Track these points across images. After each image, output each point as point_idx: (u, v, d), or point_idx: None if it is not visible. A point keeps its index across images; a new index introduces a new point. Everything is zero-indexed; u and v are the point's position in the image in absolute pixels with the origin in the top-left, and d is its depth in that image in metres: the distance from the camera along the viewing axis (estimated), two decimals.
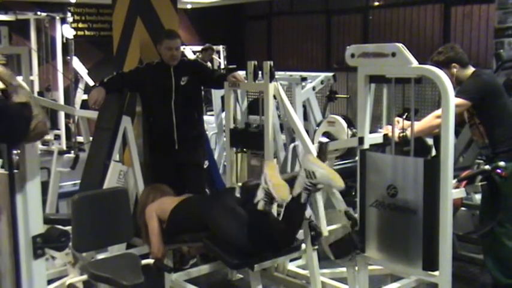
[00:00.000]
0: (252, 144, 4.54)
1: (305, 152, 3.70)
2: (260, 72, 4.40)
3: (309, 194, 3.66)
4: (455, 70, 4.16)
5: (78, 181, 5.14)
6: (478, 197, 4.57)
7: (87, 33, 11.59)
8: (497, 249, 4.12)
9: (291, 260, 4.50)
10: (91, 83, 9.27)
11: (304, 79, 6.39)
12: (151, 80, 4.97)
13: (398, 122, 3.92)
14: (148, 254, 4.17)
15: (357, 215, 3.78)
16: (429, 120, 4.00)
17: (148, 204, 4.20)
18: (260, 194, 3.61)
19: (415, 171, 3.46)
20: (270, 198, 3.59)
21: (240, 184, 3.78)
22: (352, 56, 3.70)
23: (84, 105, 7.87)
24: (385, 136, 3.91)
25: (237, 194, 3.79)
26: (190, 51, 10.54)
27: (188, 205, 4.10)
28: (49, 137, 9.29)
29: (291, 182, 3.65)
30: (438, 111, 3.82)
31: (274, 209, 4.06)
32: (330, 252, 3.85)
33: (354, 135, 4.17)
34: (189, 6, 12.35)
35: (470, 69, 4.21)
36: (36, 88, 9.66)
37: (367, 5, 11.45)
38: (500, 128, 4.12)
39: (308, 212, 5.06)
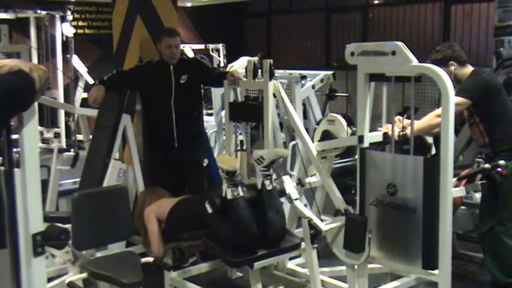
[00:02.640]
0: (250, 116, 4.59)
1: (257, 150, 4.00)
2: (260, 70, 4.40)
3: (270, 179, 3.85)
4: (453, 68, 4.17)
5: (78, 179, 5.14)
6: (477, 195, 4.58)
7: (87, 31, 11.57)
8: (497, 248, 4.12)
9: (291, 259, 4.50)
10: (91, 81, 9.26)
11: (303, 77, 6.39)
12: (151, 78, 4.97)
13: (398, 120, 3.92)
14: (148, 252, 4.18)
15: (357, 213, 3.79)
16: (429, 119, 4.00)
17: (146, 207, 4.22)
18: (224, 185, 3.75)
19: (414, 170, 3.46)
20: (231, 181, 3.72)
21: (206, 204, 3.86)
22: (352, 54, 3.70)
23: (84, 103, 7.87)
24: (385, 135, 3.91)
25: (208, 210, 3.82)
26: (190, 50, 10.53)
27: (186, 204, 4.12)
28: (49, 135, 9.29)
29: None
30: (438, 110, 3.82)
31: None
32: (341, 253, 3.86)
33: (353, 133, 4.17)
34: (188, 5, 12.34)
35: (469, 68, 4.22)
36: None
37: (366, 3, 11.44)
38: (500, 127, 4.12)
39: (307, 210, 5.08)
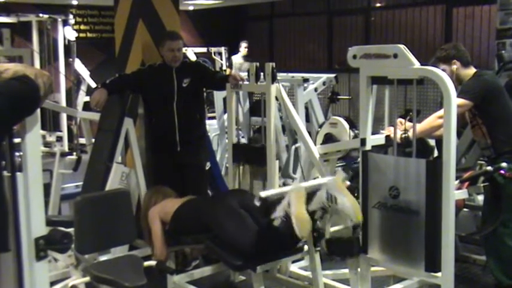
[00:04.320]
0: (254, 159, 4.51)
1: (332, 176, 3.60)
2: (262, 73, 4.40)
3: (323, 213, 3.57)
4: (455, 67, 4.17)
5: (81, 183, 5.14)
6: (480, 198, 4.57)
7: (89, 35, 11.59)
8: (500, 250, 4.11)
9: (294, 262, 4.50)
10: (93, 84, 9.27)
11: (306, 80, 6.39)
12: (154, 82, 4.97)
13: (400, 123, 3.92)
14: (151, 255, 4.18)
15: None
16: (431, 120, 4.00)
17: (150, 207, 4.21)
18: (280, 212, 3.46)
19: (417, 173, 3.46)
20: (288, 221, 3.44)
21: (261, 195, 3.57)
22: (354, 57, 3.70)
23: (86, 107, 7.88)
24: (387, 137, 3.91)
25: (256, 202, 3.59)
26: (192, 53, 10.55)
27: (191, 206, 4.10)
28: (51, 139, 9.30)
29: (311, 194, 3.55)
30: (440, 112, 3.82)
31: None
32: (325, 248, 3.80)
33: (356, 136, 4.17)
34: (191, 8, 12.36)
35: (472, 70, 4.22)
36: None
37: (368, 6, 11.45)
38: (503, 128, 4.12)
39: None
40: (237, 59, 10.84)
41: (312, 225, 3.47)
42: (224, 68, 10.99)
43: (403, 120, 3.95)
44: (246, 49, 10.91)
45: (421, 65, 3.46)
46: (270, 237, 3.68)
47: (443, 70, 4.13)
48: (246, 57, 10.78)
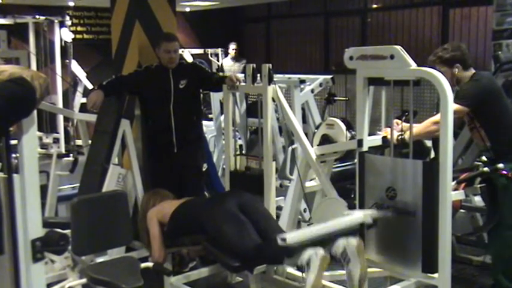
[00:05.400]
0: (251, 186, 4.45)
1: (354, 241, 3.39)
2: (259, 75, 4.40)
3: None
4: (456, 70, 4.12)
5: (77, 184, 5.13)
6: (477, 199, 4.58)
7: (85, 36, 11.58)
8: (505, 253, 4.08)
9: None
10: (90, 86, 9.27)
11: (302, 82, 6.39)
12: (150, 83, 4.97)
13: (397, 124, 3.92)
14: (148, 257, 4.18)
15: None
16: (426, 125, 3.96)
17: (149, 209, 4.21)
18: (302, 260, 3.32)
19: (414, 174, 3.46)
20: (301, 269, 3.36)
21: (285, 238, 3.24)
22: (351, 58, 3.71)
23: (83, 108, 7.86)
24: (384, 138, 3.92)
25: (279, 240, 3.28)
26: (188, 54, 10.54)
27: (188, 208, 4.10)
28: (48, 140, 9.29)
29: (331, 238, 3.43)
30: (436, 117, 3.81)
31: None
32: None
33: (352, 137, 4.17)
34: (187, 9, 12.35)
35: (471, 71, 4.16)
36: None
37: (365, 8, 11.45)
38: (501, 131, 4.10)
39: (307, 215, 5.08)
40: (226, 61, 10.79)
41: None
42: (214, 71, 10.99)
43: (399, 121, 3.95)
44: (234, 50, 10.76)
45: (418, 66, 3.47)
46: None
47: (443, 72, 4.12)
48: (235, 59, 10.72)
